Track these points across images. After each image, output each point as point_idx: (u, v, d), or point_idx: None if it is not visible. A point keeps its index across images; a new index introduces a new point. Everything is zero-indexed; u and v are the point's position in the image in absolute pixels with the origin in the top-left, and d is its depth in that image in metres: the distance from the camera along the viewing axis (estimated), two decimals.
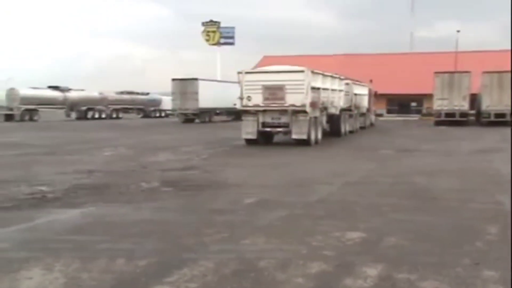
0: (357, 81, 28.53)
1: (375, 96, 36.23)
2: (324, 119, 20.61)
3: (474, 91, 36.19)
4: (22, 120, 41.43)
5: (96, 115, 48.25)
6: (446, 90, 34.92)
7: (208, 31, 50.92)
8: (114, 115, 50.33)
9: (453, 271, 4.56)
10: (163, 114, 55.92)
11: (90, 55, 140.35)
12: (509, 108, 32.70)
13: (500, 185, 9.47)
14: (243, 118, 18.30)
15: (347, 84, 24.94)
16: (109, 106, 50.17)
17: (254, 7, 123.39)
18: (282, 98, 17.44)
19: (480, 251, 5.10)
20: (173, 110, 42.68)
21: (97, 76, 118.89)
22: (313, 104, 17.86)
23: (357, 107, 27.88)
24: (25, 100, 42.66)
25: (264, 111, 17.82)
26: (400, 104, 61.05)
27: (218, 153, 15.86)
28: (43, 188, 9.00)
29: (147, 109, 54.94)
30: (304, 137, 17.64)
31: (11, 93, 43.05)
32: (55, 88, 46.84)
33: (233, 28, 53.49)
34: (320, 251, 5.19)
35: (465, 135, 24.46)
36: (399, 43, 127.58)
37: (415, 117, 51.56)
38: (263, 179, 10.68)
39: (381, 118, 48.11)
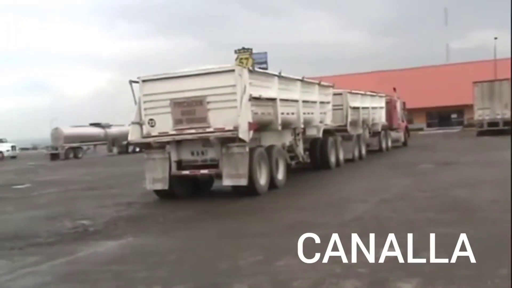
0: (360, 90, 21.35)
1: (404, 109, 29.87)
2: (299, 145, 14.54)
3: None
4: (66, 158, 42.50)
5: (137, 149, 48.92)
6: (486, 99, 34.25)
7: (241, 58, 51.43)
8: None
9: (491, 282, 4.45)
10: None
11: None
12: None
13: None
14: (146, 155, 11.68)
15: (338, 94, 18.44)
16: None
17: (284, 34, 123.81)
18: (204, 119, 10.97)
19: None
20: None
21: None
22: (254, 126, 11.00)
23: (362, 125, 21.20)
24: (69, 138, 43.81)
25: (178, 142, 11.38)
26: (440, 116, 60.15)
27: None
28: (85, 222, 9.28)
29: None
30: (242, 182, 10.68)
31: (55, 132, 44.37)
32: (96, 125, 48.01)
33: (265, 53, 53.94)
34: (354, 269, 5.15)
35: (508, 145, 23.71)
36: (433, 56, 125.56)
37: (457, 129, 50.60)
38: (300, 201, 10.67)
39: (421, 132, 47.38)
